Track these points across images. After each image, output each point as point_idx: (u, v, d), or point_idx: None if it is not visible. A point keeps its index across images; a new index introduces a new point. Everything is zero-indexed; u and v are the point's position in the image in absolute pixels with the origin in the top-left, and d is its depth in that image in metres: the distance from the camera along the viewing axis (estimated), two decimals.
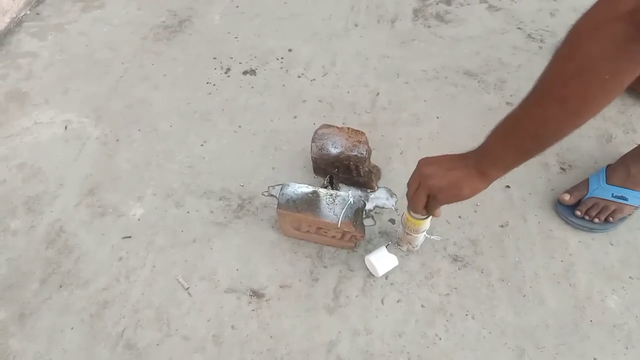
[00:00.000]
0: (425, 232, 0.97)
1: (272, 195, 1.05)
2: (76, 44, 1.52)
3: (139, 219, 1.12)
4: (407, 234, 0.97)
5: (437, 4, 1.58)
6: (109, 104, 1.35)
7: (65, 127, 1.29)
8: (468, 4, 1.57)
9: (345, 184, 1.14)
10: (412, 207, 0.88)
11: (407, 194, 0.87)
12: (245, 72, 1.41)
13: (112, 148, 1.25)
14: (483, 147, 0.75)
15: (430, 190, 0.80)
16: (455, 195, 0.78)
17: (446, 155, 0.81)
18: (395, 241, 1.05)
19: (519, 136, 0.70)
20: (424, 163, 0.82)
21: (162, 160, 1.23)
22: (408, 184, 0.85)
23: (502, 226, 1.08)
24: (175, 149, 1.25)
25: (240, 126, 1.29)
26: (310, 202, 0.97)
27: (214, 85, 1.39)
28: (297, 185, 1.00)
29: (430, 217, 0.91)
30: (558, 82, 0.63)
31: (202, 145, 1.25)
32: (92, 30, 1.56)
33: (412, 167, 0.84)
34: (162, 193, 1.16)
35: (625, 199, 1.03)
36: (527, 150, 0.70)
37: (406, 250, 1.04)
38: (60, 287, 1.02)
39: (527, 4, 1.57)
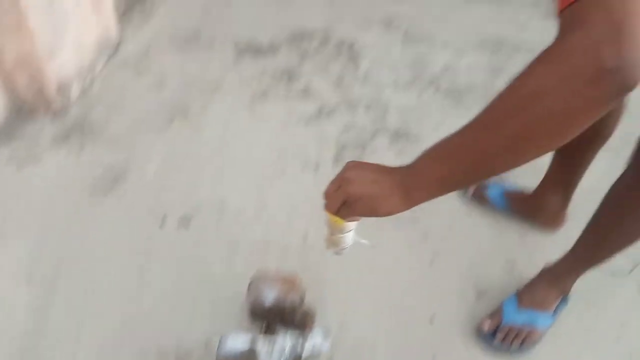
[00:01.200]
0: (352, 232, 0.86)
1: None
2: (4, 203, 1.52)
3: None
4: (332, 234, 0.86)
5: (354, 148, 1.77)
6: (39, 265, 1.34)
7: None
8: (378, 150, 1.77)
9: (283, 327, 1.17)
10: (326, 207, 0.79)
11: (324, 192, 0.78)
12: (180, 223, 1.47)
13: (43, 313, 1.22)
14: (412, 167, 0.69)
15: (347, 196, 0.72)
16: (371, 210, 0.71)
17: (376, 165, 0.74)
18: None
19: (452, 165, 0.64)
20: (350, 166, 0.75)
21: (94, 319, 1.21)
22: (330, 182, 0.77)
23: None
24: (108, 307, 1.24)
25: (175, 278, 1.31)
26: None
27: (150, 238, 1.42)
28: (235, 337, 1.03)
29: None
30: (504, 112, 0.58)
31: (135, 301, 1.26)
32: (24, 188, 1.57)
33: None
34: (93, 356, 1.13)
35: (536, 322, 1.14)
36: (458, 182, 0.66)
37: (334, 253, 0.92)
38: None
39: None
